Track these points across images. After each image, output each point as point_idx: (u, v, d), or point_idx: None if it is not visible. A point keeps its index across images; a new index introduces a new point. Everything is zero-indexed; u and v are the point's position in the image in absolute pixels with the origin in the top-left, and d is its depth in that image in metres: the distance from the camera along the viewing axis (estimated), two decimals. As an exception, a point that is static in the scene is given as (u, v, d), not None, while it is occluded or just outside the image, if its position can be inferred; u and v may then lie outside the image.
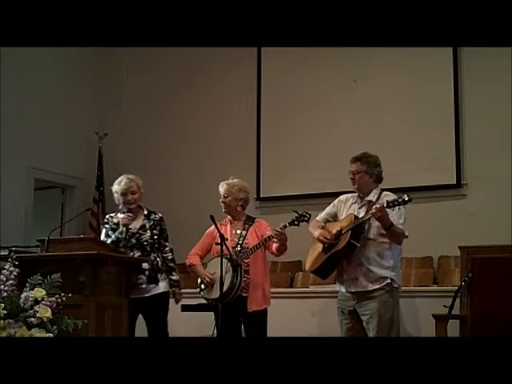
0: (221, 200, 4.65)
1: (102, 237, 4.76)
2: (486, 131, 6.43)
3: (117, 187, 4.74)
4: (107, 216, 4.87)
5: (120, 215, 4.74)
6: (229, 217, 4.67)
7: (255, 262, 4.50)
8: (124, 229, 4.66)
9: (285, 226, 4.40)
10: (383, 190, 4.41)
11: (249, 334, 4.50)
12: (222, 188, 4.65)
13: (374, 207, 4.12)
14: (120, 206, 4.79)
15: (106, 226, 4.78)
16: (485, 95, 6.47)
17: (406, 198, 4.04)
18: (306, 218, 4.41)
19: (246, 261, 4.47)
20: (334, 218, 4.49)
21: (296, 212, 4.44)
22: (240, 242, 4.54)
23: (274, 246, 4.52)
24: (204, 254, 4.71)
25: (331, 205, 4.57)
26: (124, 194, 4.70)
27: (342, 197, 4.55)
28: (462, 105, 6.59)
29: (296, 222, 4.41)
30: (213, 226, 4.50)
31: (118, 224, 4.71)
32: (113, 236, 4.68)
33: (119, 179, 4.77)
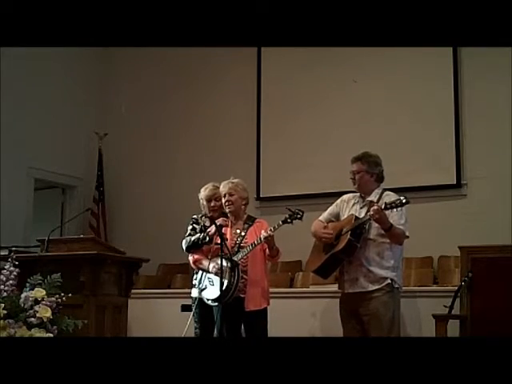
0: (225, 199, 4.59)
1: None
2: (486, 131, 6.43)
3: (202, 193, 4.77)
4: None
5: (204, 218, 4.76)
6: (230, 217, 4.64)
7: (254, 260, 4.48)
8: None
9: (278, 225, 4.37)
10: (385, 189, 4.41)
11: (249, 334, 4.48)
12: (226, 187, 4.60)
13: (371, 209, 4.11)
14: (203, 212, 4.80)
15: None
16: (485, 95, 6.46)
17: (404, 200, 4.03)
18: (299, 216, 4.37)
19: (243, 261, 4.44)
20: (337, 217, 4.49)
21: (289, 210, 4.40)
22: (238, 241, 4.53)
23: (267, 250, 4.50)
24: (205, 253, 4.68)
25: (334, 204, 4.57)
26: (208, 200, 4.72)
27: (345, 196, 4.54)
28: (461, 105, 6.59)
29: (289, 220, 4.38)
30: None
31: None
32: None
33: (205, 186, 4.79)
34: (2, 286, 3.70)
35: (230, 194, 4.59)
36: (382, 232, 4.19)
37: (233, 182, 4.63)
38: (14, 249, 4.59)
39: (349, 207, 4.44)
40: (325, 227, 4.44)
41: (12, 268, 3.76)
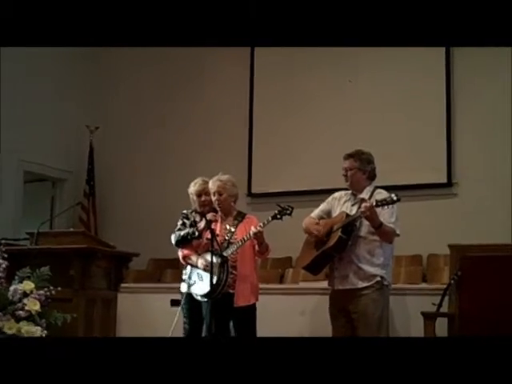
0: (214, 198, 4.57)
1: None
2: (477, 131, 6.46)
3: (192, 188, 4.76)
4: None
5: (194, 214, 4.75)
6: (220, 213, 4.64)
7: (243, 256, 4.47)
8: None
9: (268, 221, 4.36)
10: (377, 187, 4.41)
11: (237, 330, 4.48)
12: (215, 185, 4.56)
13: (362, 206, 4.12)
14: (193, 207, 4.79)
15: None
16: (477, 95, 6.49)
17: (395, 198, 4.04)
18: (288, 212, 4.35)
19: (232, 256, 4.43)
20: (328, 215, 4.49)
21: (278, 206, 4.40)
22: (228, 237, 4.52)
23: (256, 246, 4.49)
24: (195, 248, 4.67)
25: (325, 202, 4.58)
26: (198, 195, 4.71)
27: (336, 194, 4.55)
28: (453, 104, 6.61)
29: (278, 216, 4.36)
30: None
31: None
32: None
33: (195, 181, 4.79)
34: (-9, 279, 3.68)
35: (220, 194, 4.57)
36: (373, 230, 4.20)
37: (221, 180, 4.59)
38: (3, 241, 4.55)
39: (340, 205, 4.45)
40: (316, 224, 4.45)
41: (1, 261, 3.74)
